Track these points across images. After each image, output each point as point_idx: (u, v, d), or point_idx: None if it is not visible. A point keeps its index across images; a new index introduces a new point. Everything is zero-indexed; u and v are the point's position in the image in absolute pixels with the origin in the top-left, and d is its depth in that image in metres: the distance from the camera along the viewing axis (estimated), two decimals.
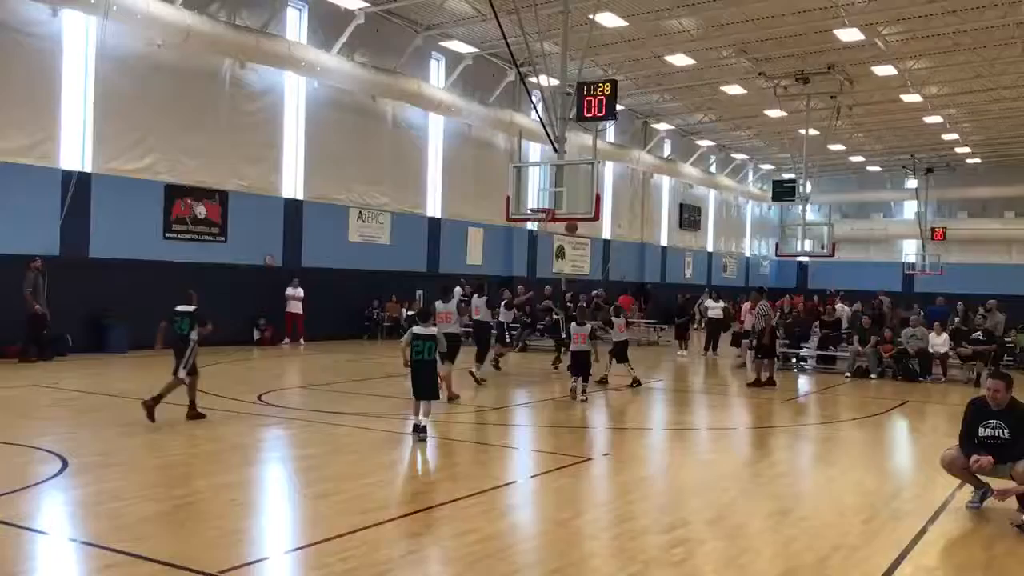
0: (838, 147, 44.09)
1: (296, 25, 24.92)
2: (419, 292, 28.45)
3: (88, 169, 20.38)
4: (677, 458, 11.10)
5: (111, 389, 14.65)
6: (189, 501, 7.82)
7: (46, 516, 7.60)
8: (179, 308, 11.96)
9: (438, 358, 11.00)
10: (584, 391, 14.94)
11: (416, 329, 11.03)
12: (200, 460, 9.72)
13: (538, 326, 25.28)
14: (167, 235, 22.05)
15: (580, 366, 14.94)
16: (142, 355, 18.95)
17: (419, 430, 10.89)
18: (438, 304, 14.86)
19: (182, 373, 11.70)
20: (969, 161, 47.67)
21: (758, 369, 18.33)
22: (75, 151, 20.27)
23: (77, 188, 19.89)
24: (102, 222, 20.50)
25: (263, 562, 6.40)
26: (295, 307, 24.44)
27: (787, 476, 10.22)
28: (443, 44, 29.02)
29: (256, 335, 23.88)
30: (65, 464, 8.85)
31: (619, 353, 17.28)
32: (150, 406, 11.26)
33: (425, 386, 10.98)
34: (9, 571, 6.06)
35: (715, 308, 26.33)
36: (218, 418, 12.02)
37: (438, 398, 11.51)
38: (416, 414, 10.99)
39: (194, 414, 11.67)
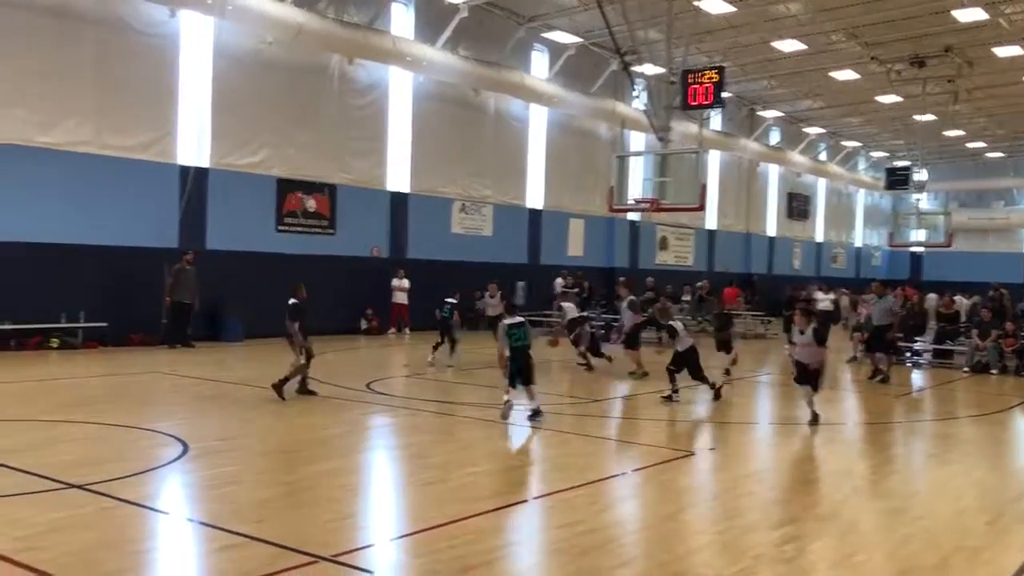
0: (956, 133, 42.20)
1: (402, 20, 25.27)
2: (519, 284, 28.59)
3: (205, 164, 21.15)
4: (785, 454, 10.85)
5: (227, 377, 15.20)
6: (302, 486, 8.05)
7: (168, 497, 7.95)
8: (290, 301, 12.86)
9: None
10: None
11: (507, 321, 11.53)
12: (312, 446, 9.99)
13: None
14: (279, 228, 22.72)
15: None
16: (256, 344, 19.64)
17: (538, 413, 11.31)
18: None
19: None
20: None
21: (875, 363, 17.62)
22: (192, 147, 21.07)
23: (194, 183, 20.68)
24: (218, 216, 21.26)
25: (373, 548, 6.54)
26: (401, 298, 24.84)
27: (901, 473, 9.88)
28: (545, 35, 28.98)
29: (363, 325, 24.40)
30: (186, 448, 9.23)
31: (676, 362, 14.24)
32: (278, 387, 12.37)
33: (529, 371, 11.43)
34: (135, 549, 6.36)
35: (824, 300, 25.62)
36: (329, 405, 12.34)
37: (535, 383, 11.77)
38: (532, 399, 11.40)
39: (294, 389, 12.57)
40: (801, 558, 6.41)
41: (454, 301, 17.69)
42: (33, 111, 18.04)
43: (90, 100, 18.90)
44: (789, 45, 29.41)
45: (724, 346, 17.46)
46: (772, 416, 14.16)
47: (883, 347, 17.51)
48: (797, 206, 47.11)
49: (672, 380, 13.88)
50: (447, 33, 25.14)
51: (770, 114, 41.27)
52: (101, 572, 5.69)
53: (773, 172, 44.90)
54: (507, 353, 11.38)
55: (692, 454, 10.35)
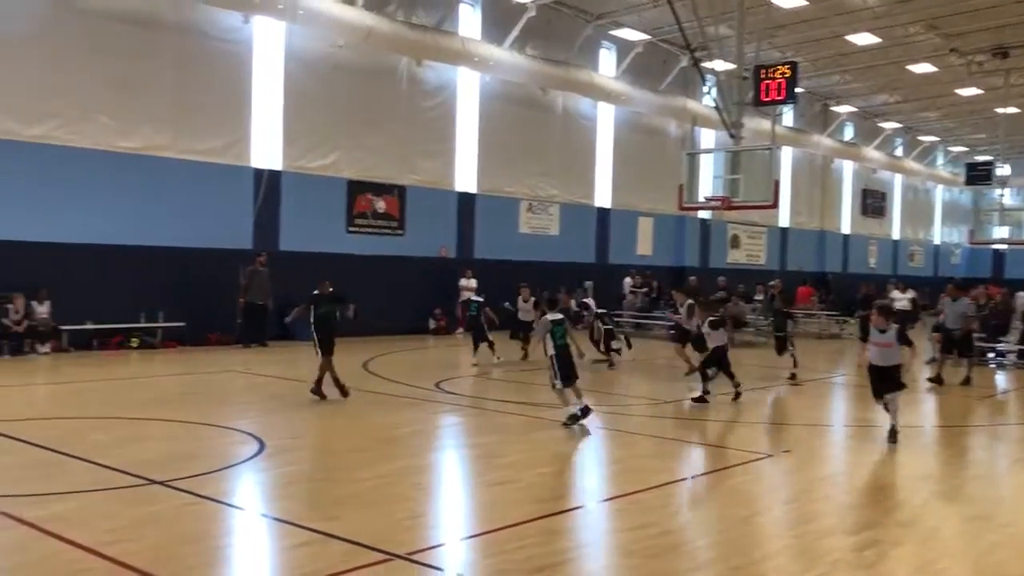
0: None
1: (469, 21, 25.40)
2: (588, 283, 28.47)
3: (278, 167, 21.55)
4: (861, 457, 10.59)
5: (300, 375, 15.44)
6: (375, 484, 8.13)
7: (245, 494, 8.12)
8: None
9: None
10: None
11: (550, 317, 11.32)
12: (384, 444, 10.09)
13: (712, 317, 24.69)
14: (350, 229, 23.04)
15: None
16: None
17: (587, 411, 11.05)
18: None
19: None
20: None
21: (939, 366, 16.84)
22: (265, 150, 21.48)
23: (268, 185, 21.09)
24: (290, 217, 21.65)
25: (445, 547, 6.58)
26: (468, 297, 24.94)
27: (985, 479, 9.58)
28: (613, 33, 28.83)
29: (431, 324, 24.58)
30: (262, 446, 9.41)
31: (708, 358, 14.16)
32: (341, 387, 12.52)
33: (574, 369, 11.27)
34: (214, 544, 6.53)
35: (902, 299, 24.95)
36: (400, 404, 12.45)
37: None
38: (579, 397, 11.14)
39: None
40: (881, 564, 6.25)
41: (481, 299, 17.93)
42: (114, 117, 18.59)
43: (168, 106, 19.41)
44: (864, 38, 28.77)
45: (780, 347, 16.99)
46: (847, 418, 13.85)
47: (963, 351, 16.89)
48: (872, 203, 46.02)
49: (705, 379, 13.59)
50: (515, 33, 25.18)
51: (844, 109, 40.41)
52: (183, 567, 5.83)
53: (847, 168, 43.94)
54: (551, 352, 11.15)
55: (766, 456, 10.18)
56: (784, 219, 39.06)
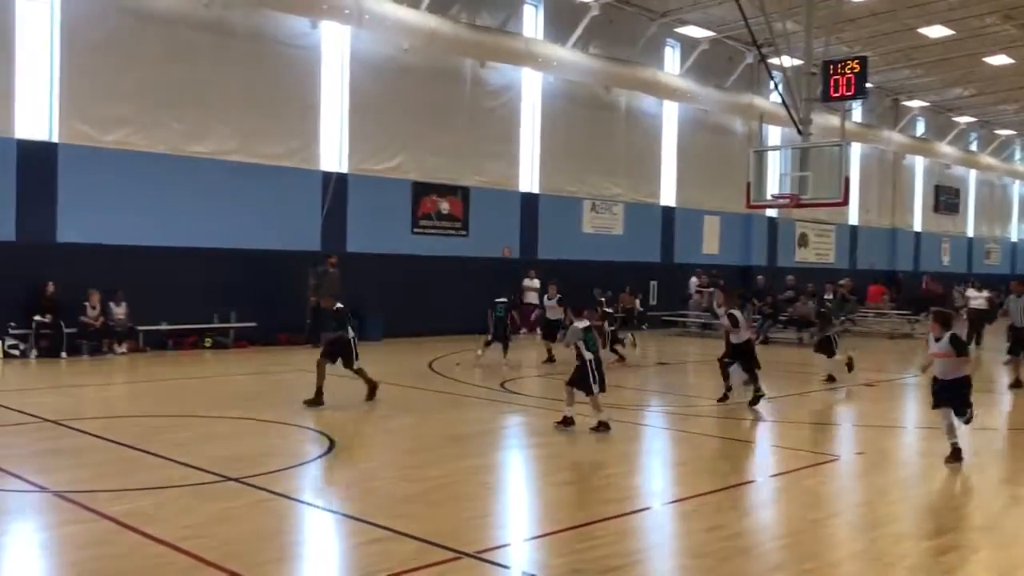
0: None
1: (532, 21, 25.43)
2: (653, 283, 28.30)
3: (344, 170, 21.86)
4: (937, 459, 10.30)
5: (368, 374, 15.62)
6: (443, 482, 8.19)
7: (317, 491, 8.24)
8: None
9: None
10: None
11: (581, 324, 10.83)
12: (452, 443, 10.16)
13: (780, 317, 24.39)
14: (415, 230, 23.24)
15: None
16: (395, 343, 20.15)
17: (605, 427, 10.54)
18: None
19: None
20: None
21: (1016, 368, 15.98)
22: (333, 153, 21.81)
23: (335, 188, 21.39)
24: (357, 219, 21.94)
25: (514, 546, 6.61)
26: (532, 298, 24.92)
27: None
28: (678, 30, 28.59)
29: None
30: (332, 444, 9.56)
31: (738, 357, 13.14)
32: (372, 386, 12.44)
33: (603, 378, 10.79)
34: (287, 540, 6.66)
35: (978, 298, 24.27)
36: (466, 404, 12.54)
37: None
38: (599, 410, 10.63)
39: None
40: (960, 570, 6.10)
41: (506, 300, 17.66)
42: (187, 122, 19.06)
43: (240, 111, 19.83)
44: (936, 31, 28.07)
45: (823, 348, 16.06)
46: (920, 420, 13.49)
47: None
48: (945, 199, 44.80)
49: (726, 376, 12.88)
50: (578, 32, 25.14)
51: (915, 104, 39.44)
52: (256, 562, 5.96)
53: (919, 164, 42.87)
54: (588, 356, 10.62)
55: (837, 458, 10.00)
56: (853, 217, 38.30)
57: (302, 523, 7.24)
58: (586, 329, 10.81)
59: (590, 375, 10.61)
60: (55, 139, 17.63)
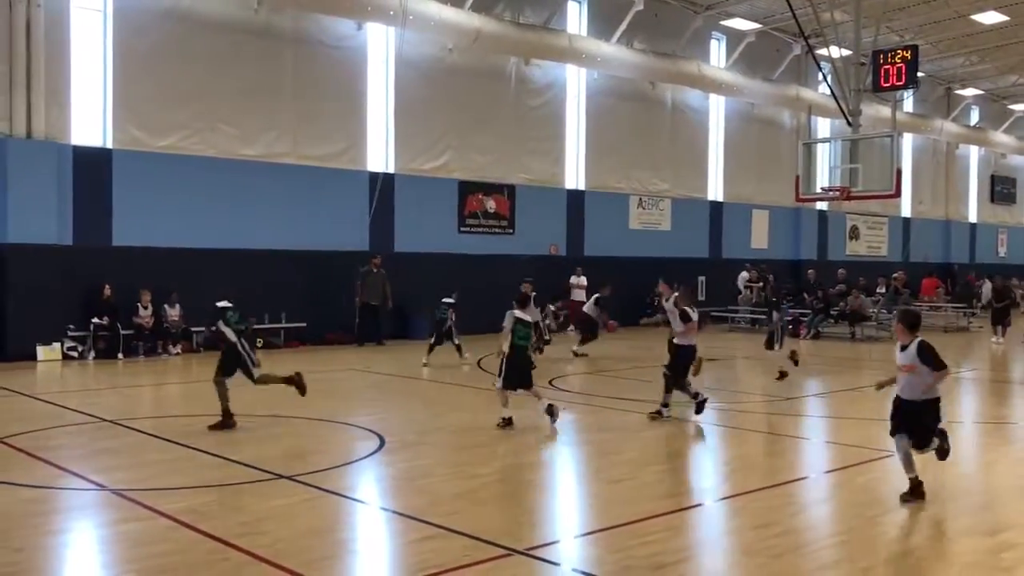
0: None
1: (576, 17, 25.37)
2: (701, 278, 28.06)
3: (391, 170, 22.02)
4: (994, 456, 10.12)
5: (415, 373, 15.75)
6: (493, 479, 8.23)
7: (368, 489, 8.33)
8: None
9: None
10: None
11: (517, 313, 10.56)
12: (501, 441, 10.18)
13: (832, 311, 24.03)
14: (461, 229, 23.33)
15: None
16: None
17: (552, 412, 10.44)
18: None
19: None
20: None
21: None
22: (379, 154, 21.97)
23: (382, 188, 21.55)
24: (404, 219, 22.08)
25: (565, 542, 6.61)
26: (579, 295, 24.90)
27: None
28: (723, 23, 28.32)
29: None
30: (382, 442, 9.64)
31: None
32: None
33: (527, 374, 10.59)
34: (339, 538, 6.73)
35: None
36: (515, 402, 12.52)
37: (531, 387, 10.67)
38: (539, 397, 10.57)
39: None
40: (1021, 568, 5.96)
41: (451, 301, 16.99)
42: (238, 126, 19.35)
43: (288, 113, 20.08)
44: (991, 17, 27.47)
45: (768, 343, 15.31)
46: (977, 415, 13.24)
47: None
48: (1002, 189, 43.76)
49: (668, 389, 11.19)
50: (622, 27, 25.02)
51: (969, 92, 38.61)
52: (310, 559, 6.03)
53: (973, 154, 41.96)
54: (506, 349, 10.37)
55: (892, 455, 9.81)
56: (906, 208, 37.62)
57: (354, 520, 7.31)
58: (522, 320, 10.49)
59: (499, 367, 10.52)
60: (109, 145, 18.01)
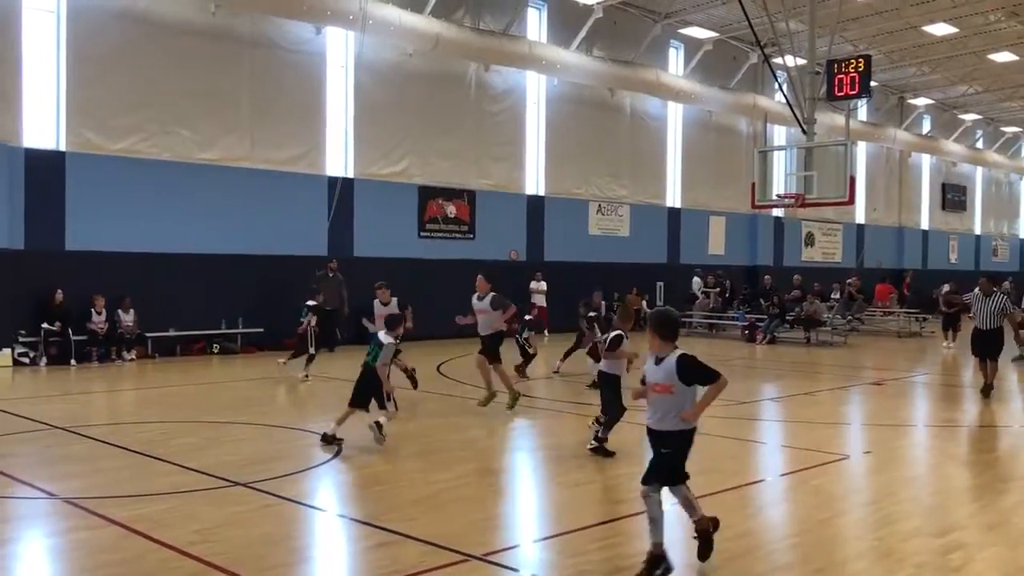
0: None
1: (536, 24, 25.48)
2: (659, 284, 28.32)
3: (350, 175, 21.92)
4: (945, 458, 10.33)
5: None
6: (451, 485, 8.21)
7: (325, 495, 8.28)
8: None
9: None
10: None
11: (383, 336, 9.94)
12: (459, 447, 10.18)
13: (787, 317, 24.35)
14: (421, 234, 23.30)
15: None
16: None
17: (378, 427, 9.64)
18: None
19: None
20: None
21: (984, 373, 14.14)
22: (338, 158, 21.87)
23: (342, 192, 21.45)
24: (363, 224, 22.00)
25: (522, 548, 6.62)
26: (539, 300, 25.01)
27: None
28: (681, 31, 28.63)
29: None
30: (340, 448, 9.58)
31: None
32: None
33: (365, 393, 9.89)
34: (296, 545, 6.67)
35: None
36: (473, 407, 12.54)
37: (367, 410, 9.85)
38: (340, 423, 9.77)
39: None
40: (969, 567, 6.09)
41: (312, 303, 16.23)
42: (195, 130, 19.16)
43: (246, 117, 19.92)
44: (941, 28, 28.08)
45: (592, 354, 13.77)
46: (928, 418, 13.49)
47: (992, 354, 14.00)
48: (953, 197, 44.73)
49: (608, 423, 9.52)
50: (581, 35, 25.20)
51: (921, 102, 39.42)
52: (265, 566, 5.98)
53: (925, 162, 42.84)
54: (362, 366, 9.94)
55: (846, 457, 9.98)
56: (860, 215, 38.27)
57: (310, 527, 7.26)
58: (378, 343, 9.89)
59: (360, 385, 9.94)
60: (62, 148, 17.73)
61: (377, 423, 9.67)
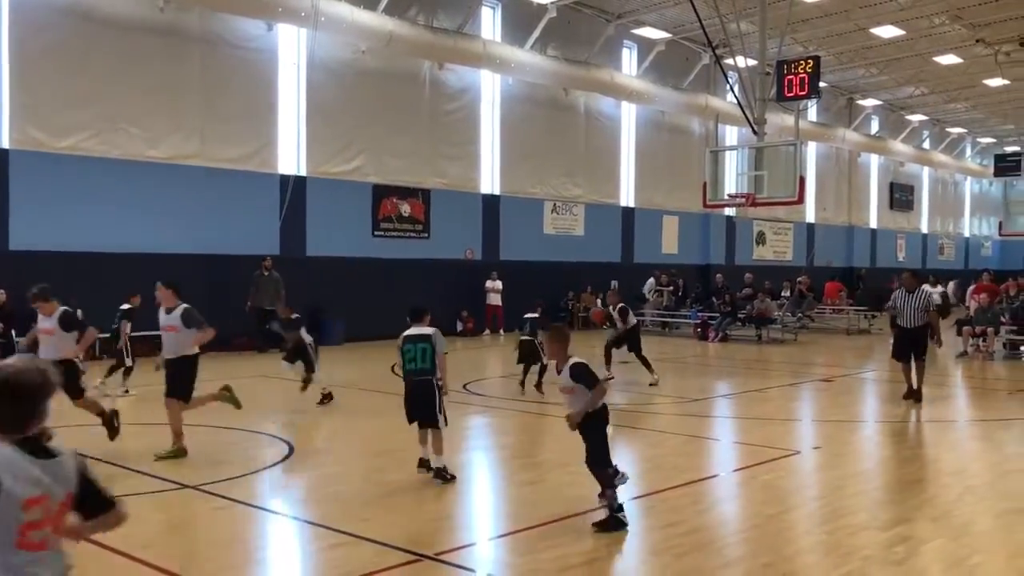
0: None
1: (490, 23, 25.47)
2: (613, 282, 28.44)
3: (303, 173, 21.71)
4: (892, 452, 10.53)
5: (328, 379, 15.53)
6: (405, 486, 8.17)
7: (277, 497, 8.20)
8: None
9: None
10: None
11: (406, 332, 8.37)
12: (414, 446, 10.09)
13: (739, 315, 24.65)
14: (375, 233, 23.16)
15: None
16: (356, 347, 20.05)
17: (443, 475, 8.17)
18: None
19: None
20: None
21: (907, 377, 13.72)
22: (291, 157, 21.65)
23: (293, 191, 21.24)
24: (316, 222, 21.80)
25: (475, 547, 6.63)
26: (495, 299, 25.04)
27: (1020, 473, 9.46)
28: (635, 32, 28.80)
29: (459, 327, 24.65)
30: (291, 449, 9.50)
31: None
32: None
33: (420, 405, 8.24)
34: (246, 547, 6.61)
35: (933, 293, 24.68)
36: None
37: (437, 425, 8.24)
38: (424, 444, 8.38)
39: None
40: (913, 559, 6.22)
41: (127, 307, 14.49)
42: (143, 127, 18.83)
43: (196, 115, 19.63)
44: (888, 31, 28.58)
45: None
46: (877, 414, 13.74)
47: (919, 353, 13.45)
48: (900, 196, 45.64)
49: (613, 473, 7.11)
50: (535, 34, 25.23)
51: (869, 103, 40.12)
52: (215, 568, 5.92)
53: (874, 162, 43.63)
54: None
55: (796, 453, 10.14)
56: (810, 215, 38.83)
57: (262, 529, 7.19)
58: (411, 338, 8.29)
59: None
60: (6, 145, 17.32)
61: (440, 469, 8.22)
